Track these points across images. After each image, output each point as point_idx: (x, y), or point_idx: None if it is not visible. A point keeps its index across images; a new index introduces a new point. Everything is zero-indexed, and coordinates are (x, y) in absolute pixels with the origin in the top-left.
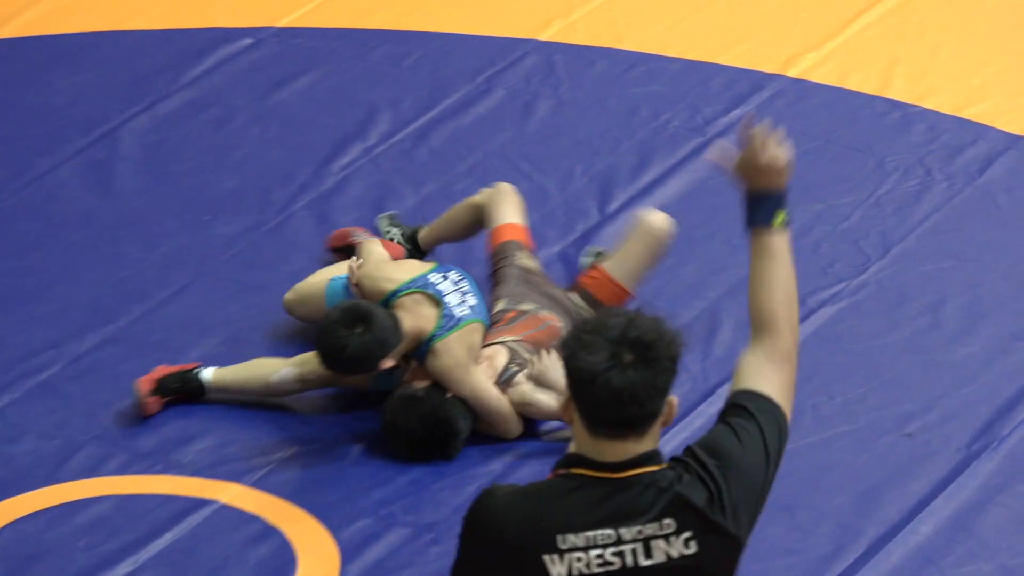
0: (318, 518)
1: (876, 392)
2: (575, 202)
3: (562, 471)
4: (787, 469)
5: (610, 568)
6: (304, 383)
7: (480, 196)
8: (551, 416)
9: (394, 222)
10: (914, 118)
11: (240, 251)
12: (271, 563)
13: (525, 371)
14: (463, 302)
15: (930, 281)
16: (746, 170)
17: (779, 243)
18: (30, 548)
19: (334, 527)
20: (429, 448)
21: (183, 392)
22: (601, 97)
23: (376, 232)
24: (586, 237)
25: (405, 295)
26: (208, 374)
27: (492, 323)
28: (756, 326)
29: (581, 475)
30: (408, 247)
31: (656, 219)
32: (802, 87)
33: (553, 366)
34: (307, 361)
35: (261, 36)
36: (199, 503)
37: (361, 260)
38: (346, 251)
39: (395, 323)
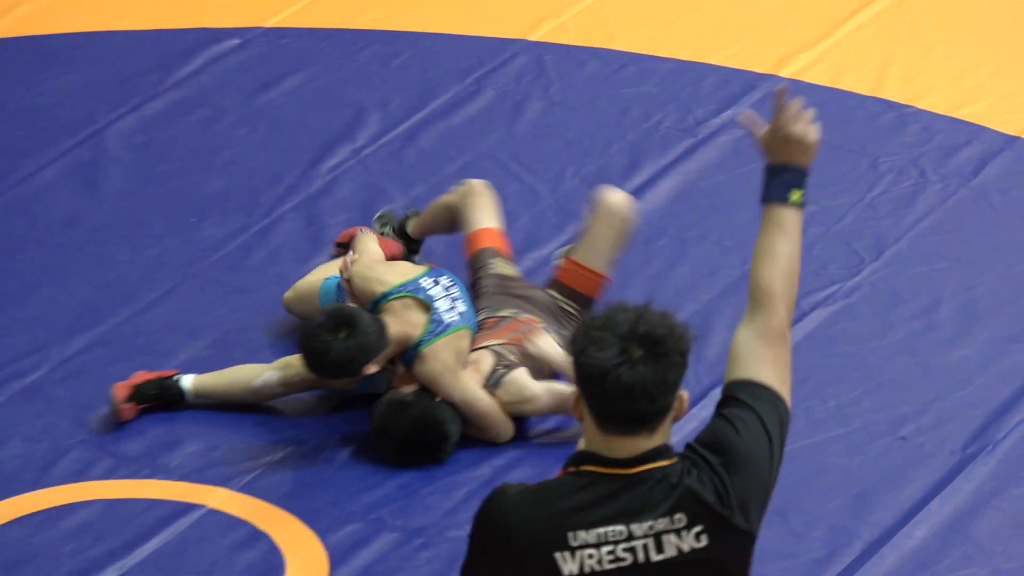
0: (307, 523)
1: (870, 395)
2: (566, 203)
3: (572, 469)
4: (781, 472)
5: (622, 564)
6: (287, 387)
7: (453, 196)
8: (546, 409)
9: (384, 220)
10: (908, 118)
11: (227, 253)
12: (259, 568)
13: (517, 370)
14: (452, 308)
15: (924, 283)
16: (774, 140)
17: (791, 218)
18: (16, 553)
19: (323, 532)
20: (419, 452)
21: (161, 399)
22: (592, 98)
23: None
24: (577, 239)
25: (395, 299)
26: (188, 381)
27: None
28: (753, 299)
29: (592, 472)
30: (401, 240)
31: (615, 198)
32: (795, 87)
33: (546, 342)
34: (290, 364)
35: (249, 36)
36: (187, 508)
37: (355, 255)
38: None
39: (380, 329)
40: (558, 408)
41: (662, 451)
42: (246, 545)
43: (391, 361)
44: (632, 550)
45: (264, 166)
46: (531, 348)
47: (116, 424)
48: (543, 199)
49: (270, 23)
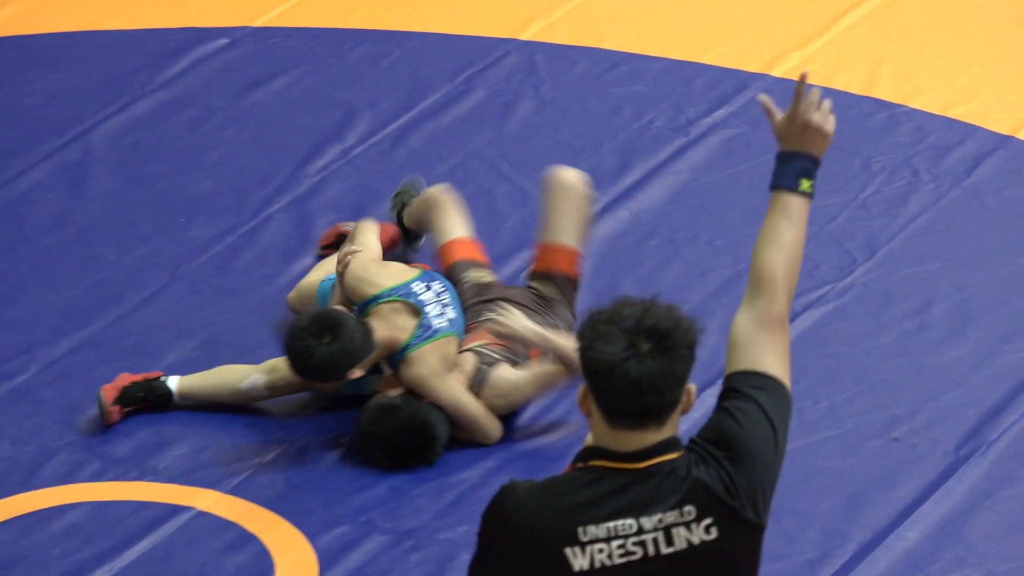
0: (296, 524)
1: (863, 396)
2: None
3: (581, 464)
4: None
5: (632, 558)
6: (274, 390)
7: (419, 207)
8: (534, 394)
9: (401, 197)
10: (901, 118)
11: (216, 254)
12: (249, 570)
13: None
14: (442, 314)
15: (917, 283)
16: (790, 127)
17: (799, 207)
18: (4, 556)
19: (312, 534)
20: (408, 455)
21: (147, 401)
22: (583, 97)
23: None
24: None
25: (384, 302)
26: (174, 383)
27: None
28: (754, 284)
29: (601, 467)
30: (401, 230)
31: (565, 174)
32: (787, 87)
33: (515, 320)
34: (276, 368)
35: (237, 36)
36: (175, 510)
37: (352, 248)
38: (339, 246)
39: (366, 334)
40: (545, 388)
41: (670, 444)
42: (235, 547)
43: (376, 365)
44: (642, 544)
45: (253, 166)
46: (501, 329)
47: (103, 427)
48: (533, 199)
49: (258, 22)
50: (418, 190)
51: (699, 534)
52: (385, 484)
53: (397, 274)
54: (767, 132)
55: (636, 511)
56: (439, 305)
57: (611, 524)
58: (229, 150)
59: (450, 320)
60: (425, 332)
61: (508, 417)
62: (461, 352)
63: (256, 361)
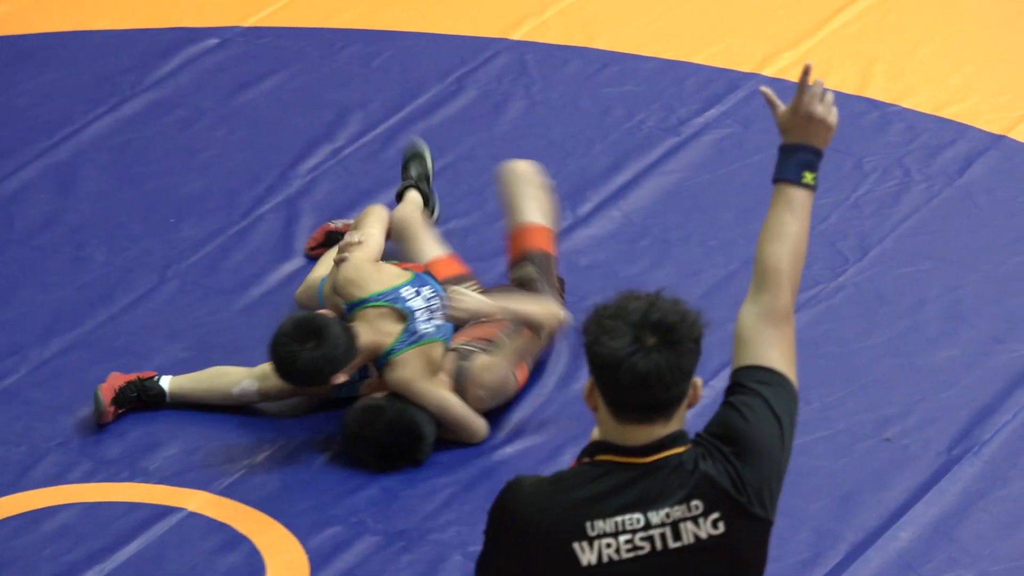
0: (287, 526)
1: (855, 396)
2: None
3: (587, 459)
4: None
5: (639, 553)
6: (265, 396)
7: (394, 235)
8: (514, 361)
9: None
10: (893, 117)
11: (206, 254)
12: (240, 572)
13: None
14: (429, 320)
15: (909, 283)
16: (793, 119)
17: (802, 199)
18: None
19: (303, 535)
20: (397, 455)
21: (140, 401)
22: (574, 97)
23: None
24: (559, 239)
25: (371, 306)
26: (166, 383)
27: None
28: (759, 278)
29: (608, 461)
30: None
31: (516, 164)
32: (779, 86)
33: (470, 299)
34: (268, 375)
35: (227, 36)
36: (166, 511)
37: (354, 239)
38: (328, 244)
39: (350, 339)
40: (520, 357)
41: (677, 438)
42: (226, 548)
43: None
44: (650, 539)
45: (243, 167)
46: (457, 312)
47: (97, 426)
48: None
49: (249, 22)
50: (420, 151)
51: (706, 529)
52: (376, 485)
53: (388, 278)
54: (759, 132)
55: (644, 506)
56: (427, 311)
57: (619, 519)
58: (219, 150)
59: (437, 326)
60: (410, 337)
61: (497, 417)
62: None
63: (247, 362)
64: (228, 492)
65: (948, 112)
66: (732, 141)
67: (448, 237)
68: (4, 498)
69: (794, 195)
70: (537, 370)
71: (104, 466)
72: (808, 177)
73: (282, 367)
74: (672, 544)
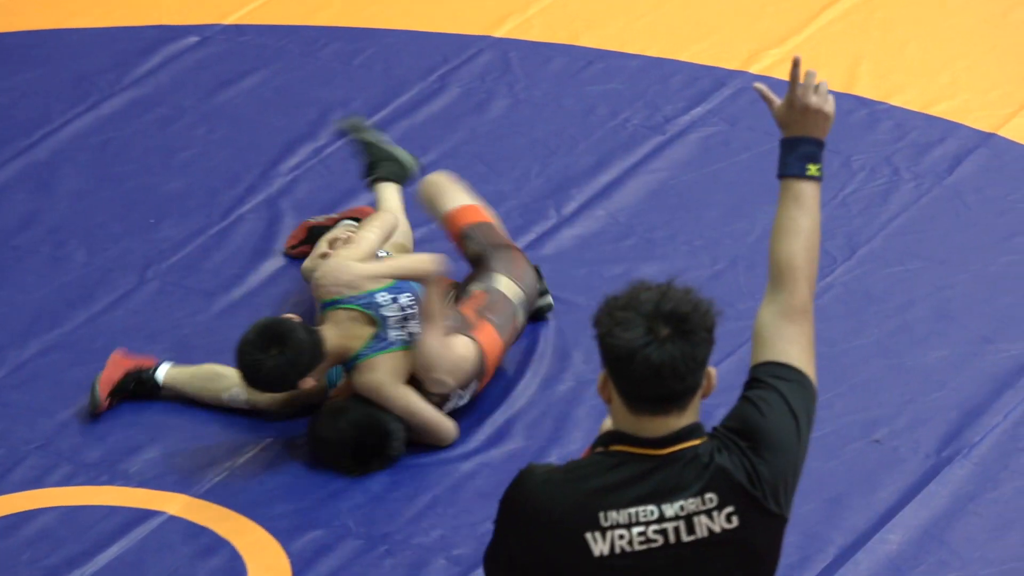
0: (268, 529)
1: (843, 397)
2: (531, 203)
3: (601, 449)
4: None
5: (652, 545)
6: (254, 405)
7: (424, 199)
8: (437, 332)
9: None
10: (881, 115)
11: (187, 254)
12: None
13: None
14: (402, 328)
15: (898, 283)
16: (790, 112)
17: (809, 192)
18: None
19: (285, 539)
20: (368, 455)
21: (136, 393)
22: (558, 95)
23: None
24: (542, 239)
25: (342, 308)
26: (162, 373)
27: None
28: (774, 276)
29: (622, 452)
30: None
31: (424, 178)
32: (766, 83)
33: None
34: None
35: (207, 34)
36: (146, 515)
37: (344, 234)
38: (310, 241)
39: (315, 343)
40: (433, 314)
41: (693, 430)
42: (207, 553)
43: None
44: (663, 531)
45: (224, 166)
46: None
47: (88, 419)
48: (508, 199)
49: (229, 20)
50: (362, 126)
51: (720, 522)
52: (359, 489)
53: (365, 282)
54: (745, 130)
55: (658, 498)
56: (401, 319)
57: (632, 510)
58: (200, 149)
59: (411, 334)
60: (379, 343)
61: (480, 420)
62: None
63: (228, 363)
64: (209, 495)
65: (937, 110)
66: (718, 139)
67: (430, 236)
68: None
69: (801, 189)
70: (519, 371)
71: (84, 469)
72: (812, 169)
73: (248, 375)
74: (686, 538)
